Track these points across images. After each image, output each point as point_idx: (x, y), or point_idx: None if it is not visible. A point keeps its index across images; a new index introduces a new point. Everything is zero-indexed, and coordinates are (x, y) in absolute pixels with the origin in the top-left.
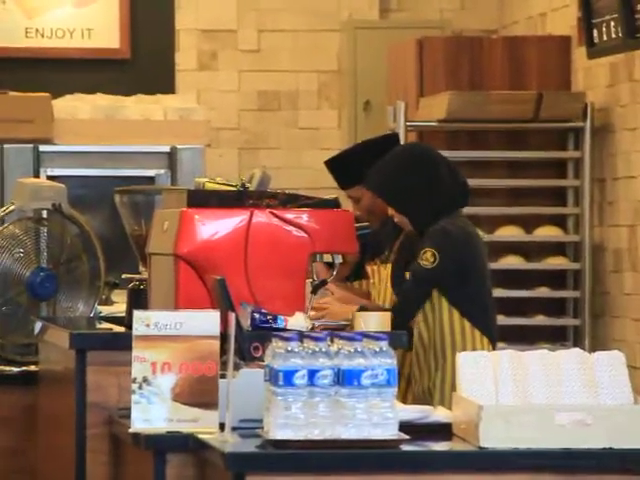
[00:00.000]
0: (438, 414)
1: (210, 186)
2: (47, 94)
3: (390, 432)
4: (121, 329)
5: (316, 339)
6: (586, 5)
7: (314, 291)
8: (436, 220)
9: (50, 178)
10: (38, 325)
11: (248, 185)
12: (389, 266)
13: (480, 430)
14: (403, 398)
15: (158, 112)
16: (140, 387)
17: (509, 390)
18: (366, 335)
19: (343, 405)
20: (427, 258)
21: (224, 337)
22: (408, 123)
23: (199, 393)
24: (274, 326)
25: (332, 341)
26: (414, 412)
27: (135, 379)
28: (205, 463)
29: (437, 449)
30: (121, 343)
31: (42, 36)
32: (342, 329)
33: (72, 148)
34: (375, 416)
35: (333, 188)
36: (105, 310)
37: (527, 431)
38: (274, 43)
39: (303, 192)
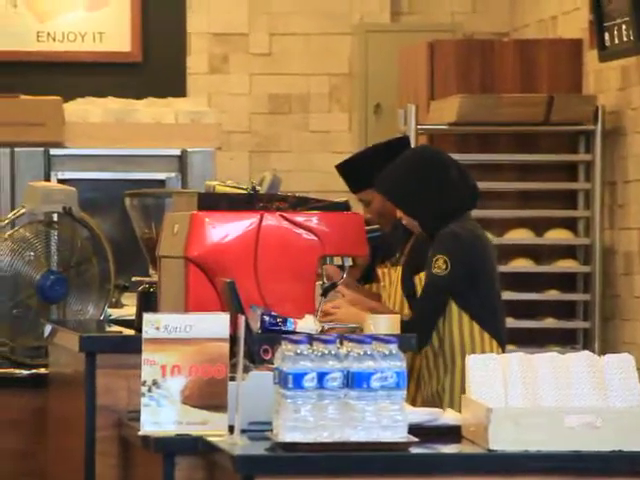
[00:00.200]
0: (447, 417)
1: (220, 189)
2: (58, 97)
3: (399, 435)
4: (131, 332)
5: (325, 342)
6: (597, 8)
7: (324, 294)
8: (445, 223)
9: (61, 181)
10: (48, 328)
11: (258, 188)
12: (399, 269)
13: (489, 433)
14: (412, 401)
15: (169, 115)
16: (150, 390)
17: (518, 393)
18: (376, 338)
19: (352, 408)
20: (439, 265)
21: (234, 340)
22: (419, 126)
23: (208, 396)
24: (284, 329)
25: (341, 344)
26: (423, 415)
27: (145, 382)
28: (214, 466)
29: (446, 452)
30: (131, 346)
31: (54, 40)
32: (352, 332)
33: (83, 151)
34: (384, 419)
35: (344, 191)
36: (115, 313)
37: (536, 434)
38: (285, 46)
39: (313, 195)
